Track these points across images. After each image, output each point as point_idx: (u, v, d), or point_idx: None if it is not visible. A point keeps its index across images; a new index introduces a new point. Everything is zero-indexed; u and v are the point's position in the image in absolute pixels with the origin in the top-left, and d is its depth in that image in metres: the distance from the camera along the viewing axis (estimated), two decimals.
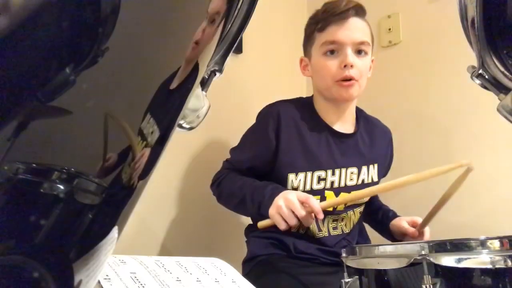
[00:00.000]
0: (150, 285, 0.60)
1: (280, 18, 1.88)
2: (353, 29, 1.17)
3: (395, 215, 1.34)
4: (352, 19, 1.17)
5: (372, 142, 1.31)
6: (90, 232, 0.29)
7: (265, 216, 1.09)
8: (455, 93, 1.52)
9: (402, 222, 1.26)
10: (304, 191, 1.18)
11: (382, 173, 1.35)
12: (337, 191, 1.22)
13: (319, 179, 1.21)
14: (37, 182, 0.25)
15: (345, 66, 1.16)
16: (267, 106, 1.28)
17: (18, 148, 0.24)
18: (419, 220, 1.23)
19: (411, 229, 1.23)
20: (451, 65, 1.54)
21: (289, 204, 1.03)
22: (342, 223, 1.26)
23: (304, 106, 1.28)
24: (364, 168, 1.28)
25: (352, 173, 1.25)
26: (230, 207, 1.26)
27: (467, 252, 0.72)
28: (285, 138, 1.20)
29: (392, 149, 1.42)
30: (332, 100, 1.25)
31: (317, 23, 1.20)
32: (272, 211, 1.06)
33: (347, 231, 1.27)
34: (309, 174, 1.20)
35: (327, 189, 1.21)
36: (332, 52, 1.18)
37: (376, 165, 1.30)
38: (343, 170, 1.24)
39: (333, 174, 1.22)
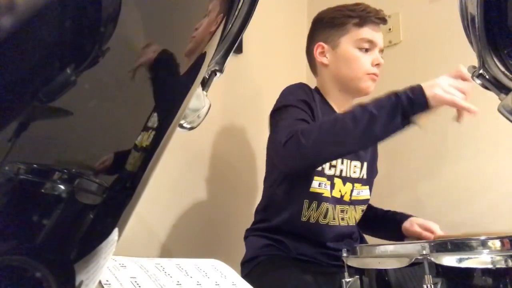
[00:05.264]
0: None
1: (280, 18, 1.88)
2: (381, 36, 1.30)
3: (404, 216, 1.34)
4: (382, 27, 1.31)
5: None
6: (91, 233, 0.29)
7: (418, 111, 1.00)
8: None
9: (415, 227, 1.28)
10: (318, 173, 1.21)
11: (371, 172, 1.36)
12: (345, 180, 1.26)
13: (331, 165, 1.24)
14: (39, 183, 0.25)
15: (377, 64, 1.28)
16: (291, 85, 1.30)
17: (19, 149, 0.24)
18: (432, 225, 1.25)
19: (425, 234, 1.24)
20: (451, 65, 1.54)
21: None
22: (347, 216, 1.27)
23: (319, 94, 1.32)
24: (365, 164, 1.31)
25: (355, 166, 1.29)
26: (336, 142, 1.07)
27: (468, 252, 0.72)
28: (315, 110, 1.23)
29: (377, 151, 1.44)
30: (349, 92, 1.30)
31: (353, 17, 1.28)
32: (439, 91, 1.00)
33: (351, 224, 1.29)
34: None
35: (337, 176, 1.25)
36: (366, 49, 1.28)
37: (366, 163, 1.33)
38: (349, 161, 1.27)
39: (342, 163, 1.26)
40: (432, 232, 1.24)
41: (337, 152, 1.10)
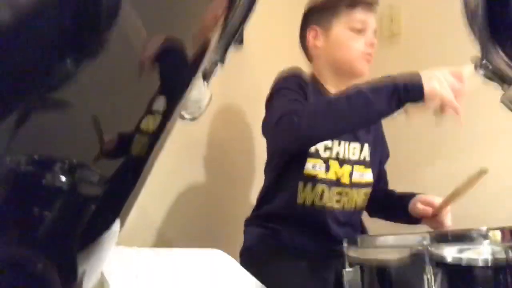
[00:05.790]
0: (152, 281, 0.61)
1: (281, 12, 1.86)
2: (374, 17, 1.30)
3: (409, 198, 1.33)
4: (374, 8, 1.31)
5: None
6: (93, 224, 0.29)
7: (412, 100, 1.02)
8: None
9: (417, 205, 1.27)
10: (311, 154, 1.21)
11: (377, 157, 1.36)
12: (342, 163, 1.25)
13: (326, 148, 1.24)
14: (40, 174, 0.25)
15: (370, 44, 1.28)
16: (283, 70, 1.30)
17: (20, 141, 0.24)
18: (434, 199, 1.25)
19: (425, 209, 1.25)
20: (452, 56, 1.53)
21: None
22: (345, 199, 1.27)
23: (314, 78, 1.32)
24: (365, 146, 1.31)
25: (354, 148, 1.29)
26: (330, 121, 1.08)
27: (468, 243, 0.72)
28: (307, 91, 1.24)
29: (383, 134, 1.44)
30: (344, 74, 1.30)
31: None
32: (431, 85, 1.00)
33: (348, 208, 1.27)
34: None
35: (332, 159, 1.24)
36: (359, 30, 1.28)
37: (367, 145, 1.32)
38: (347, 143, 1.27)
39: (339, 145, 1.26)
40: (431, 205, 1.24)
41: (330, 131, 1.12)
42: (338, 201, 1.25)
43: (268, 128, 1.22)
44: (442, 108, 1.02)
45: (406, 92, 1.01)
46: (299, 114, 1.08)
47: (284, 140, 1.14)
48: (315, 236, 1.22)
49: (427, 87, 1.00)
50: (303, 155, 1.21)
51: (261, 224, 1.25)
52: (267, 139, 1.28)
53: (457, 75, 1.03)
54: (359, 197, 1.30)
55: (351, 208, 1.28)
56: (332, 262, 1.15)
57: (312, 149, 1.21)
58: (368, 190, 1.32)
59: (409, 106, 1.03)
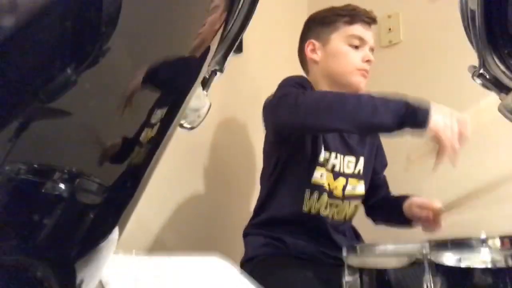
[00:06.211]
0: (150, 287, 0.60)
1: (280, 18, 1.88)
2: (371, 35, 1.32)
3: (405, 198, 1.33)
4: (373, 27, 1.33)
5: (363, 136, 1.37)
6: (92, 232, 0.29)
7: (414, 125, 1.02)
8: (456, 93, 1.52)
9: (413, 209, 1.27)
10: (321, 163, 1.22)
11: (371, 168, 1.37)
12: (336, 175, 1.26)
13: (324, 159, 1.24)
14: (39, 183, 0.25)
15: (367, 61, 1.29)
16: (287, 76, 1.32)
17: (19, 149, 0.24)
18: (431, 202, 1.24)
19: (423, 213, 1.24)
20: (451, 65, 1.54)
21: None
22: (335, 210, 1.27)
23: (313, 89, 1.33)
24: (361, 159, 1.32)
25: (349, 161, 1.30)
26: (333, 110, 1.09)
27: (467, 251, 0.72)
28: None
29: (380, 144, 1.45)
30: (340, 87, 1.30)
31: (344, 16, 1.31)
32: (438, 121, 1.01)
33: (337, 219, 1.28)
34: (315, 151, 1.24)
35: (328, 171, 1.25)
36: (356, 46, 1.29)
37: (362, 158, 1.33)
38: (342, 156, 1.28)
39: (336, 157, 1.27)
40: (430, 208, 1.23)
41: (329, 120, 1.10)
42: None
43: (271, 104, 1.21)
44: (440, 149, 1.02)
45: (413, 114, 1.02)
46: (305, 96, 1.11)
47: (284, 115, 1.14)
48: (320, 244, 1.22)
49: (433, 118, 1.00)
50: (313, 163, 1.22)
51: (263, 232, 1.25)
52: (266, 120, 1.27)
53: (463, 122, 1.03)
54: (350, 209, 1.31)
55: (340, 219, 1.29)
56: (336, 270, 1.14)
57: (321, 158, 1.22)
58: (359, 202, 1.33)
59: (408, 130, 1.03)
